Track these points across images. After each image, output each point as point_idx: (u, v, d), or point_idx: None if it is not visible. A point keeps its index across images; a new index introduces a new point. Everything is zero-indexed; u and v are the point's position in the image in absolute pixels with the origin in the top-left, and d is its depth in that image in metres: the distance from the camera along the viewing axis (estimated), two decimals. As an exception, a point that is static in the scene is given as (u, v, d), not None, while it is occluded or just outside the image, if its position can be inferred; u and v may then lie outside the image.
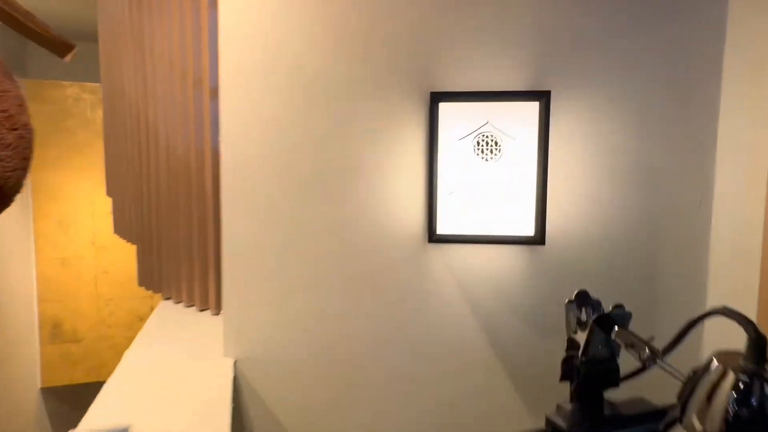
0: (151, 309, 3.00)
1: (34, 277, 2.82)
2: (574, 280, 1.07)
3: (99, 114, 2.88)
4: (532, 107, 1.00)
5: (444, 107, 1.00)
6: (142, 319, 2.96)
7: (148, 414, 0.87)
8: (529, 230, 1.02)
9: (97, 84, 2.82)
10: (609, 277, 1.08)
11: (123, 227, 1.81)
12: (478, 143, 1.01)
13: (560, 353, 0.69)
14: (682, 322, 0.56)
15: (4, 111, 0.88)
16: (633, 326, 0.65)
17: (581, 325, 0.70)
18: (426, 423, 1.11)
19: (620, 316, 0.67)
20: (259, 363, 1.07)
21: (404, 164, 1.06)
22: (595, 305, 0.71)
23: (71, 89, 2.84)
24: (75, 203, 2.86)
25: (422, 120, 1.04)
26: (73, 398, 3.10)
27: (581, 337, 0.69)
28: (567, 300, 0.71)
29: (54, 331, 2.88)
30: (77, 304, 2.90)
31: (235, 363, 1.05)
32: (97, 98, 2.88)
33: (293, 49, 1.02)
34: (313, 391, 1.08)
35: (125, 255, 2.89)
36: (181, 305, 1.46)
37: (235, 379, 1.03)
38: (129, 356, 1.11)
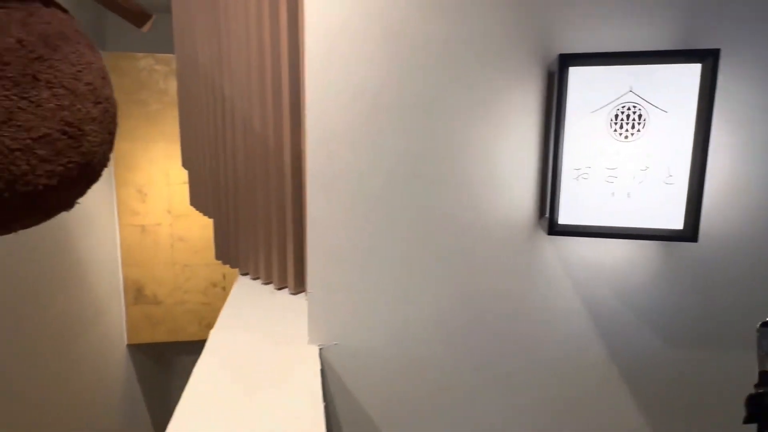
0: (224, 276, 3.11)
1: (118, 243, 2.99)
2: (735, 288, 0.91)
3: (171, 85, 2.90)
4: (692, 72, 0.80)
5: (575, 73, 0.83)
6: (215, 286, 3.08)
7: (235, 409, 0.82)
8: (677, 223, 0.84)
9: (169, 55, 2.85)
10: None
11: (199, 200, 1.82)
12: (617, 116, 0.83)
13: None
14: None
15: (89, 84, 0.83)
16: None
17: (778, 355, 0.55)
18: (527, 425, 1.01)
19: None
20: (345, 351, 1.01)
21: (515, 142, 0.91)
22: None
23: (145, 61, 2.87)
24: (150, 173, 2.96)
25: (538, 89, 0.87)
26: (156, 355, 3.36)
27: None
28: (760, 324, 0.56)
29: (137, 294, 3.06)
30: (156, 270, 3.06)
31: (320, 350, 1.01)
32: (169, 69, 2.90)
33: (389, 5, 0.88)
34: (403, 384, 1.02)
35: (199, 223, 2.98)
36: (258, 282, 1.45)
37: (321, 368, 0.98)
38: (214, 338, 1.08)
